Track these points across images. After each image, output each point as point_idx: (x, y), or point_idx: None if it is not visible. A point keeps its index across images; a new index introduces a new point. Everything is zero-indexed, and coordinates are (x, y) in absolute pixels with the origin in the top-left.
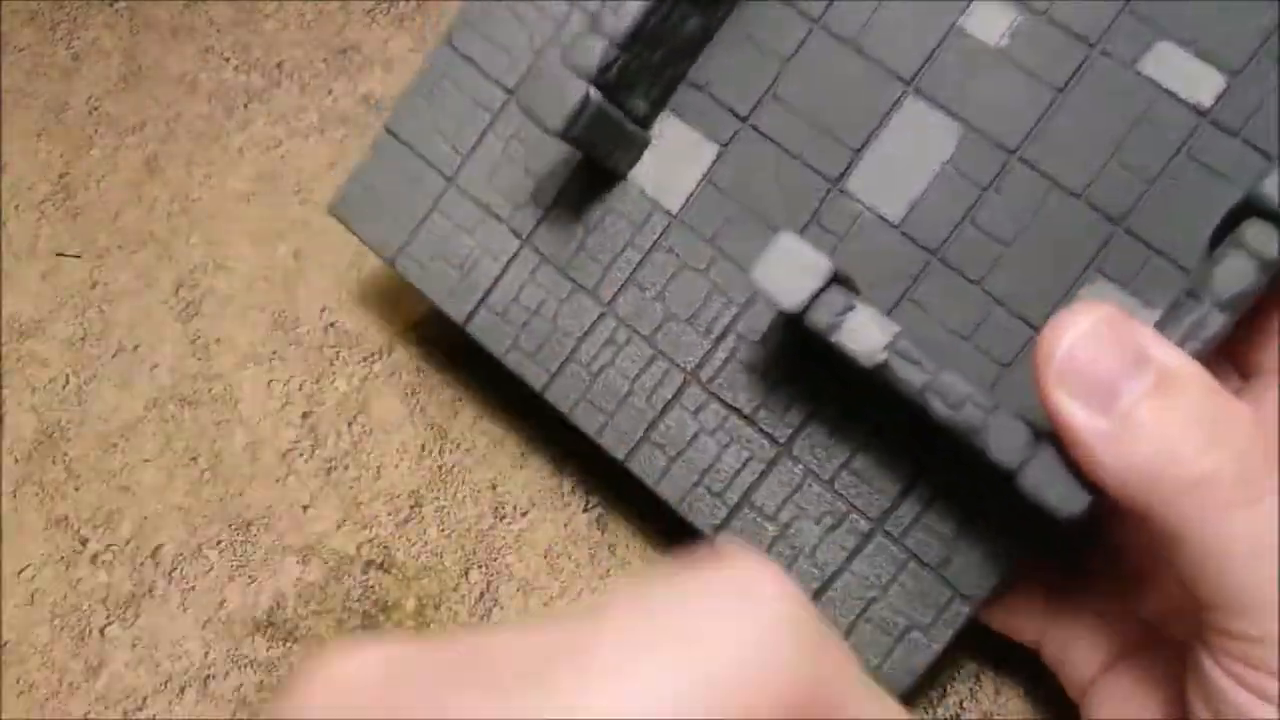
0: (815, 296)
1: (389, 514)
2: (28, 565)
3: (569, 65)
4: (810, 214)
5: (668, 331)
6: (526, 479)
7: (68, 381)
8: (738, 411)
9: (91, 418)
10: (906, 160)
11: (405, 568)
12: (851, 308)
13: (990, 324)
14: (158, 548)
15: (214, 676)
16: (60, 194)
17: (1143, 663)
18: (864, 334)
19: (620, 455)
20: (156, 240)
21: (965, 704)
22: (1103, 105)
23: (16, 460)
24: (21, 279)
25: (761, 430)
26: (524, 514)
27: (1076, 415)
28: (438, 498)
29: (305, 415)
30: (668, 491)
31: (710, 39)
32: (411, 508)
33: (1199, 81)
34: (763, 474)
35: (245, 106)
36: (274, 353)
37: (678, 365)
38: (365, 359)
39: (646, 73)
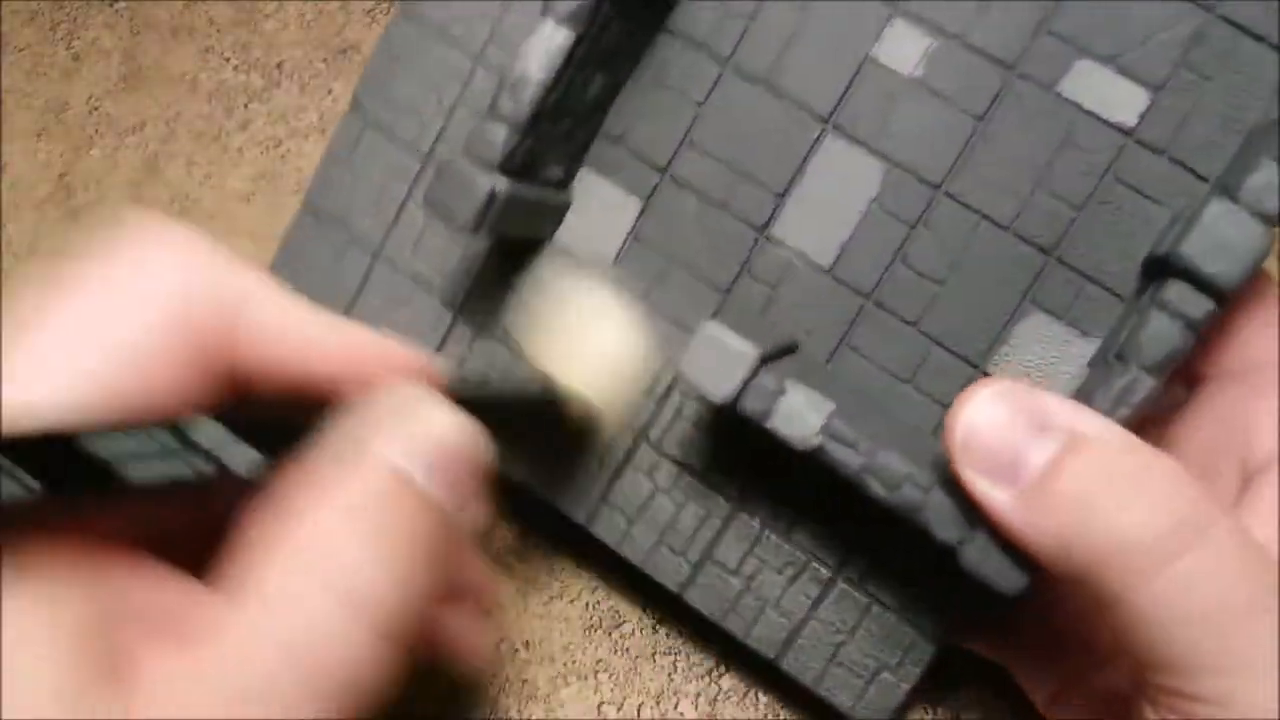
0: (745, 385)
1: None
2: None
3: (471, 158)
4: (740, 264)
5: None
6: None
7: None
8: (689, 469)
9: None
10: (832, 202)
11: None
12: (782, 392)
13: (930, 365)
14: None
15: None
16: (60, 194)
17: (1095, 689)
18: (797, 419)
19: (581, 519)
20: None
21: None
22: (1025, 131)
23: None
24: (21, 279)
25: (713, 487)
26: (524, 514)
27: (983, 490)
28: None
29: None
30: (630, 553)
31: (619, 92)
32: None
33: (1121, 99)
34: (720, 530)
35: (245, 106)
36: None
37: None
38: None
39: (557, 142)
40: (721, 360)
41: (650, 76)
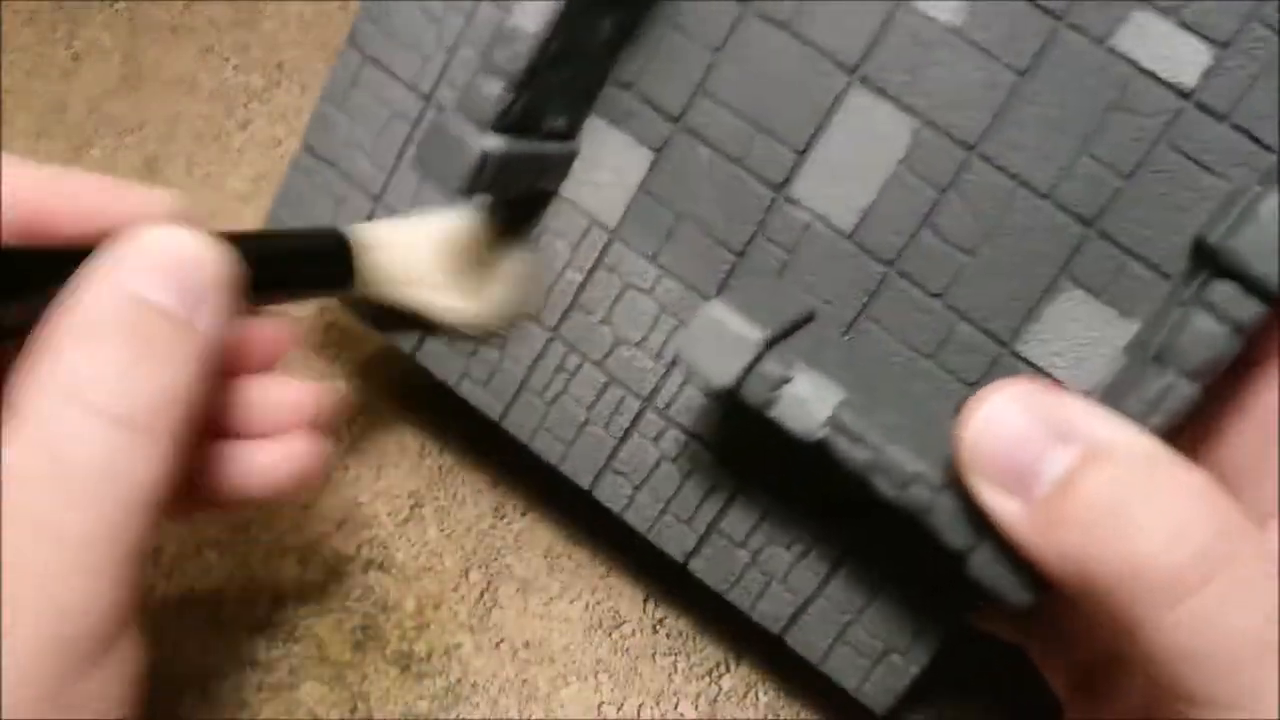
0: (746, 372)
1: (389, 514)
2: None
3: (464, 114)
4: (755, 225)
5: (618, 357)
6: (526, 479)
7: None
8: (697, 438)
9: None
10: (856, 161)
11: (405, 568)
12: (788, 380)
13: (955, 340)
14: (157, 548)
15: (213, 677)
16: None
17: (1119, 683)
18: (802, 410)
19: (585, 484)
20: None
21: None
22: (1072, 89)
23: None
24: None
25: (722, 458)
26: (524, 514)
27: (994, 501)
28: (438, 498)
29: None
30: (635, 520)
31: (630, 35)
32: (411, 508)
33: (1182, 57)
34: (728, 501)
35: (245, 106)
36: None
37: (632, 392)
38: (365, 359)
39: (559, 90)
40: (723, 344)
41: (664, 18)
